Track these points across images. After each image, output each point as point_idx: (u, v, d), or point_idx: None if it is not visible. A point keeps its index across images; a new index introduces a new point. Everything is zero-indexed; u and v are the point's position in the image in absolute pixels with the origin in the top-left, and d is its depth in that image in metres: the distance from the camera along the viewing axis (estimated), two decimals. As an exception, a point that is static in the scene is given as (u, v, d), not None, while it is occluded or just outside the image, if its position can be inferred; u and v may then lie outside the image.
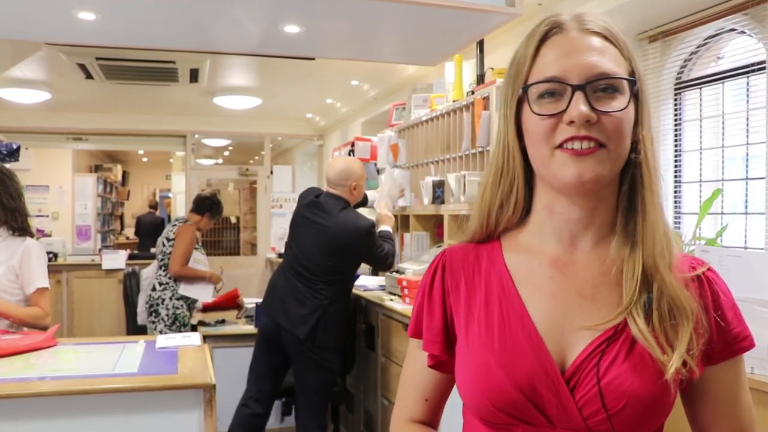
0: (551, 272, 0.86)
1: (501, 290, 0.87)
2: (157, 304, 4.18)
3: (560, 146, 0.80)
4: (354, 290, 3.83)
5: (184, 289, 4.25)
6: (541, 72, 0.82)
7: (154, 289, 4.23)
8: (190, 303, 4.31)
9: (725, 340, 0.84)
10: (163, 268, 4.26)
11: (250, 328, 3.92)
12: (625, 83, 0.81)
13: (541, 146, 0.82)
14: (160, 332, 4.06)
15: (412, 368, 0.97)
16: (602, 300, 0.83)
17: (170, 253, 4.22)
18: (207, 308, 4.52)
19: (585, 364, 0.80)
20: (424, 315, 0.93)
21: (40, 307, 2.55)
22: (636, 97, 0.83)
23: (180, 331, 4.12)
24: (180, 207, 9.86)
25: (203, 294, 4.35)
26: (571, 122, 0.79)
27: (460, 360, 0.88)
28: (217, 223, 4.72)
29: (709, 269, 0.86)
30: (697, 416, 0.88)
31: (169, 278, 4.23)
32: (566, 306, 0.84)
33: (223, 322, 4.14)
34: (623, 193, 0.85)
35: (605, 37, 0.83)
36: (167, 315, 4.17)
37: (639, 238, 0.83)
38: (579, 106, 0.78)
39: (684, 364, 0.78)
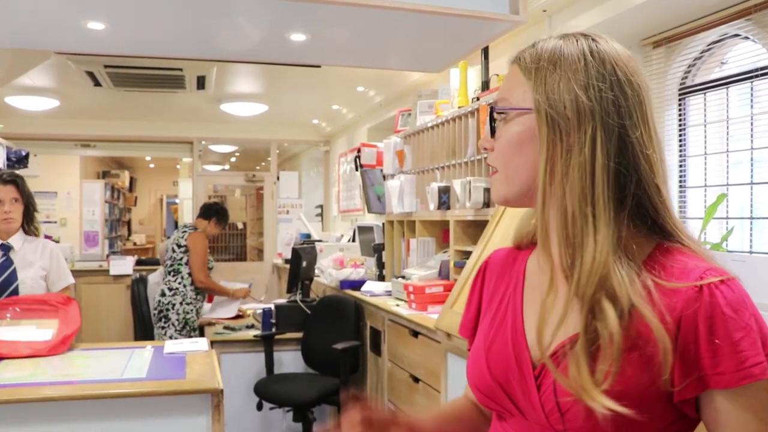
0: (548, 274, 0.88)
1: (513, 290, 0.94)
2: (167, 310, 4.21)
3: None
4: (359, 295, 3.85)
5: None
6: None
7: (163, 295, 4.26)
8: (199, 307, 4.35)
9: (724, 363, 0.75)
10: (172, 273, 4.29)
11: (257, 334, 3.94)
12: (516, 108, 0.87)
13: None
14: (170, 337, 4.09)
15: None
16: (573, 308, 0.83)
17: (180, 260, 4.28)
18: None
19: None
20: (467, 305, 1.04)
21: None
22: (547, 120, 0.82)
23: (189, 335, 4.16)
24: (187, 213, 9.88)
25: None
26: None
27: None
28: (224, 229, 4.83)
29: (722, 281, 0.78)
30: None
31: (179, 284, 4.26)
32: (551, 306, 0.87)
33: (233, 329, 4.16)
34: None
35: (520, 66, 0.88)
36: (177, 320, 4.20)
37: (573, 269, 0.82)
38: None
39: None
